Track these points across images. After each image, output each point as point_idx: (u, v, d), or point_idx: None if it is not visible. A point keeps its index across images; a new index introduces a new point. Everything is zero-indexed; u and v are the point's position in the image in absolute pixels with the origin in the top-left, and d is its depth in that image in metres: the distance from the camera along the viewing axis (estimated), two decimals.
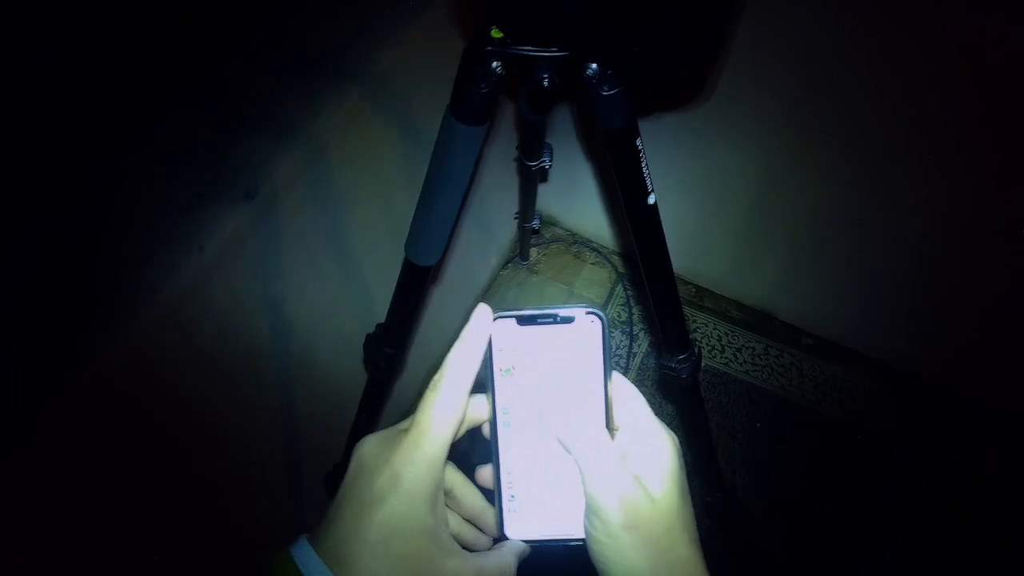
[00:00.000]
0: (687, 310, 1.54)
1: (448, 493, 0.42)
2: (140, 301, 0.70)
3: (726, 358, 1.47)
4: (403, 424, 0.39)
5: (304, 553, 0.36)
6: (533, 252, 1.61)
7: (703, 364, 1.45)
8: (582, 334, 0.39)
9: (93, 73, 0.71)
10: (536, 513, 0.42)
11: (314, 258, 0.93)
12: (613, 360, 0.39)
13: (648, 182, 0.64)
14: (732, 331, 1.51)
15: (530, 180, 1.12)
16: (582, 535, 0.40)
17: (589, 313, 0.39)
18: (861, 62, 0.99)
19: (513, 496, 0.41)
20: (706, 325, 1.52)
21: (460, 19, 0.98)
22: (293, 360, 0.95)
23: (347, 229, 0.97)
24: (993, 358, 1.30)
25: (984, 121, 0.98)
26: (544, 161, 0.99)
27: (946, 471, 1.32)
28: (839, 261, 1.33)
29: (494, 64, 0.59)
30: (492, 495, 0.42)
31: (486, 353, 0.39)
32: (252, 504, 0.96)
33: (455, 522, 0.42)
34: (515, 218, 1.32)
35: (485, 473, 0.43)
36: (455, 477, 0.42)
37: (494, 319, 0.39)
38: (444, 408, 0.37)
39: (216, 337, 0.79)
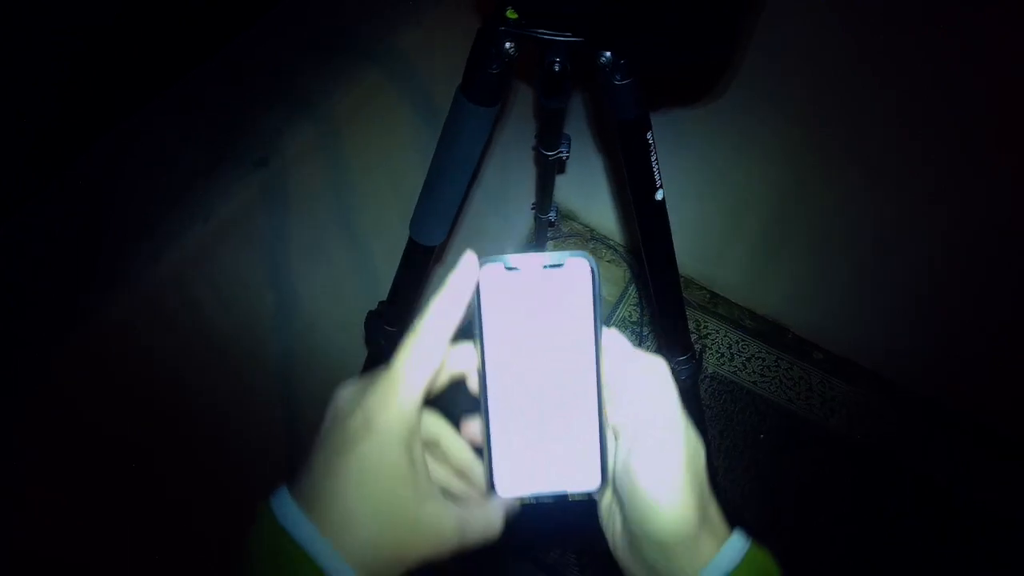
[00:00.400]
0: (700, 315, 1.52)
1: (434, 444, 0.41)
2: (141, 267, 0.70)
3: (735, 366, 1.46)
4: (380, 370, 0.38)
5: (282, 500, 0.36)
6: (549, 245, 1.60)
7: (711, 371, 1.45)
8: (571, 280, 0.38)
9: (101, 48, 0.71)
10: (527, 467, 0.40)
11: (322, 235, 0.93)
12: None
13: (657, 177, 0.63)
14: (743, 340, 1.49)
15: (547, 171, 1.10)
16: (577, 489, 0.39)
17: (578, 259, 0.38)
18: (888, 71, 0.97)
19: (503, 450, 0.40)
20: (718, 332, 1.50)
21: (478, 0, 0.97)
22: (295, 336, 0.95)
23: (357, 208, 0.97)
24: (1010, 383, 1.27)
25: (1010, 131, 0.95)
26: (562, 152, 0.98)
27: (950, 493, 1.30)
28: (856, 277, 1.31)
29: (507, 45, 0.58)
30: (481, 453, 0.41)
31: (473, 301, 0.38)
32: (251, 478, 0.97)
33: (443, 474, 0.41)
34: (532, 208, 1.31)
35: (472, 426, 0.41)
36: (441, 428, 0.41)
37: (482, 265, 0.38)
38: (421, 353, 0.37)
39: (218, 307, 0.80)
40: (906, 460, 1.34)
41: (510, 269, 0.38)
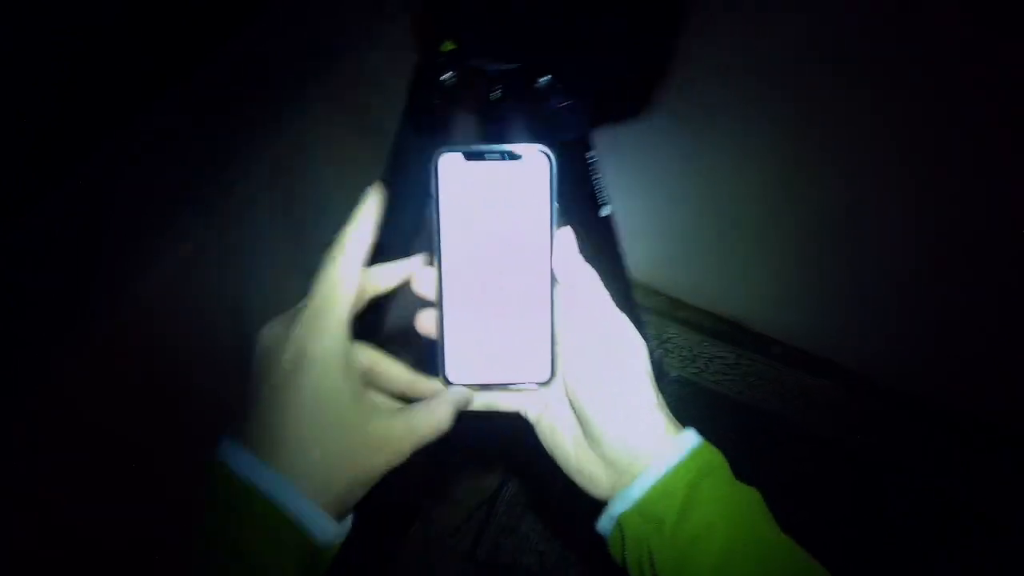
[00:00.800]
0: (660, 321, 1.54)
1: (369, 372, 0.41)
2: (142, 267, 0.70)
3: (696, 368, 1.48)
4: (300, 306, 0.39)
5: (230, 450, 0.36)
6: None
7: (674, 375, 1.47)
8: (530, 173, 0.38)
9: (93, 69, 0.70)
10: (479, 357, 0.41)
11: (283, 274, 0.93)
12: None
13: (602, 195, 0.64)
14: (702, 341, 1.52)
15: None
16: (527, 380, 0.41)
17: (538, 152, 0.38)
18: (838, 71, 1.01)
19: (456, 339, 0.41)
20: (678, 336, 1.53)
21: (415, 31, 0.98)
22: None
23: (316, 242, 0.97)
24: (963, 363, 1.32)
25: (950, 123, 1.00)
26: None
27: (931, 485, 1.34)
28: (810, 270, 1.35)
29: (447, 76, 0.59)
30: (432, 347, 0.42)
31: (432, 187, 0.39)
32: None
33: (382, 399, 0.42)
34: None
35: (426, 318, 0.42)
36: (372, 354, 0.42)
37: (442, 153, 0.38)
38: (341, 277, 0.38)
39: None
40: (877, 452, 1.38)
41: (469, 158, 0.38)
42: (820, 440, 1.39)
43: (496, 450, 1.30)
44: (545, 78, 0.58)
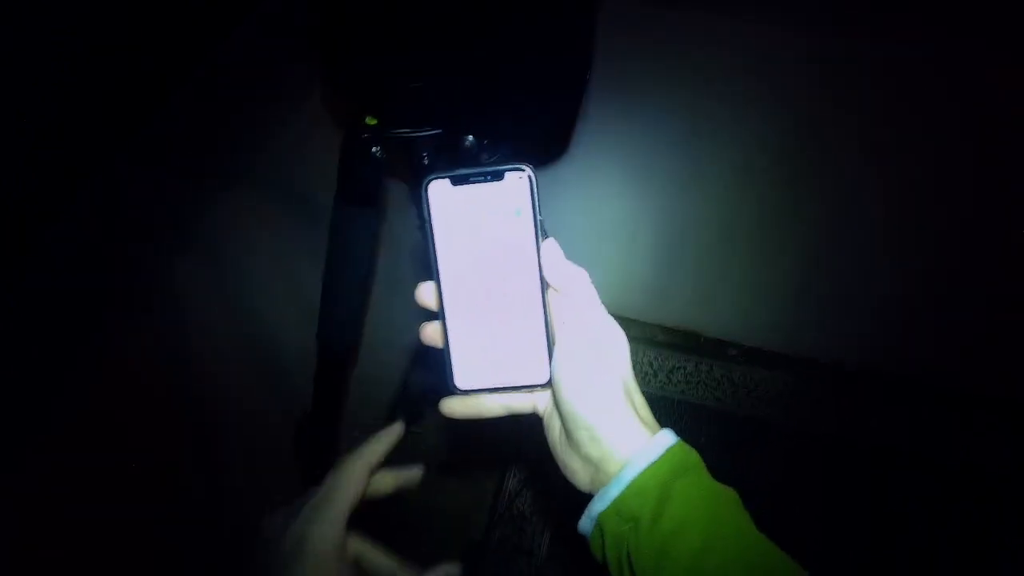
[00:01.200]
0: None
1: (359, 560, 0.45)
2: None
3: (660, 382, 1.51)
4: (307, 498, 0.44)
5: None
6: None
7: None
8: (512, 191, 0.41)
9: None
10: (483, 364, 0.44)
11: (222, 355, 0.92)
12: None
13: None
14: (660, 354, 1.55)
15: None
16: (529, 381, 0.43)
17: (517, 170, 0.41)
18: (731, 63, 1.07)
19: (460, 349, 0.43)
20: (635, 353, 1.55)
21: (335, 109, 0.99)
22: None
23: (257, 320, 0.96)
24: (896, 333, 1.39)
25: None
26: None
27: (910, 453, 1.39)
28: (746, 271, 1.40)
29: (374, 149, 0.60)
30: (439, 357, 0.44)
31: (425, 214, 0.41)
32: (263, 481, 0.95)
33: None
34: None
35: (431, 330, 0.44)
36: (361, 546, 0.45)
37: (428, 181, 0.41)
38: (351, 479, 0.44)
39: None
40: (834, 428, 1.42)
41: (456, 183, 0.41)
42: (791, 431, 1.42)
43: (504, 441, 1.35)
44: (469, 138, 0.60)
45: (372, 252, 0.68)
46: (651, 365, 1.53)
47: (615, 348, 0.42)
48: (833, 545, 1.27)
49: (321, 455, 0.86)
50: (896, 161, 1.12)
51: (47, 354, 0.66)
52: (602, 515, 0.40)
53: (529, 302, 0.42)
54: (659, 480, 0.39)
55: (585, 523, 0.42)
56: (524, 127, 0.64)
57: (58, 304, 0.68)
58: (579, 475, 0.42)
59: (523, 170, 0.41)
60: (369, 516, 0.46)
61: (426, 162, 0.59)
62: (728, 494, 0.41)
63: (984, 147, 1.06)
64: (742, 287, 1.44)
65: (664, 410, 1.46)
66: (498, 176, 0.41)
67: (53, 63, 0.64)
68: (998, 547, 1.26)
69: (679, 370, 1.52)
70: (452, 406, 0.45)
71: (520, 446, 1.35)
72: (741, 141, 1.16)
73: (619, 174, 1.26)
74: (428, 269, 0.43)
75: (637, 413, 0.41)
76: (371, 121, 0.60)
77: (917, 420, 1.42)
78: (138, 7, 0.71)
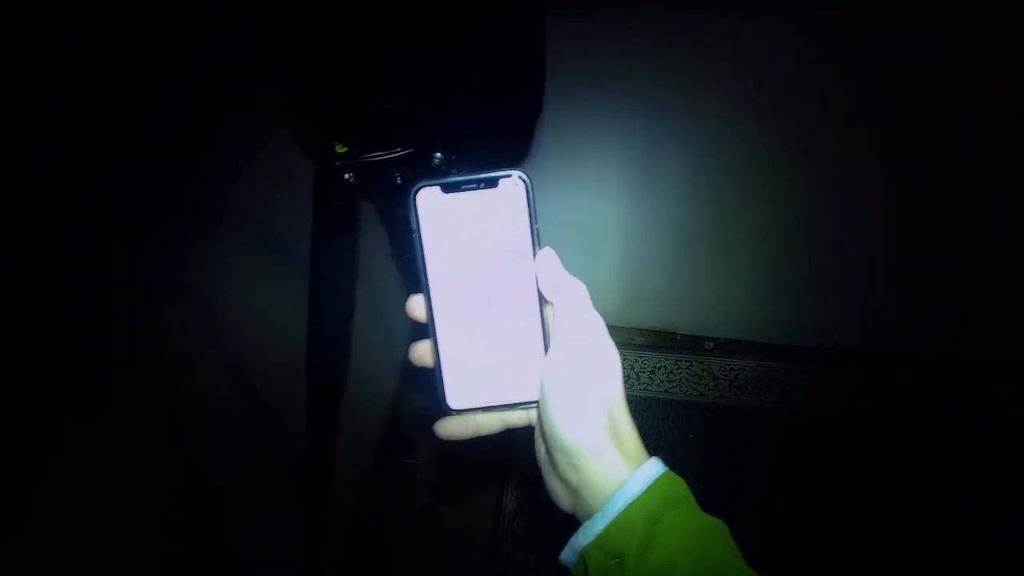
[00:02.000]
0: None
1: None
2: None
3: (643, 383, 1.53)
4: None
5: None
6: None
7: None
8: (507, 198, 0.38)
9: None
10: (476, 381, 0.41)
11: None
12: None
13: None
14: (641, 356, 1.57)
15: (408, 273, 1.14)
16: (524, 398, 0.41)
17: (513, 176, 0.38)
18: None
19: (452, 367, 0.41)
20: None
21: (304, 139, 1.00)
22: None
23: (245, 361, 0.96)
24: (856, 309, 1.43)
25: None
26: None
27: (857, 427, 1.42)
28: (714, 266, 1.43)
29: (346, 176, 0.61)
30: (431, 377, 0.42)
31: (414, 225, 0.38)
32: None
33: None
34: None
35: (421, 349, 0.42)
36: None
37: (419, 190, 0.38)
38: None
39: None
40: (816, 408, 1.45)
41: (447, 191, 0.38)
42: (776, 417, 1.45)
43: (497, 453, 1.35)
44: (438, 155, 0.62)
45: (353, 278, 0.68)
46: (632, 368, 1.55)
47: (606, 370, 0.40)
48: (823, 530, 1.29)
49: (318, 488, 0.86)
50: (878, 153, 1.17)
51: (47, 354, 0.65)
52: (586, 549, 0.38)
53: (524, 315, 0.40)
54: (645, 515, 0.37)
55: (568, 555, 0.40)
56: (488, 138, 0.66)
57: (58, 304, 0.67)
58: (560, 497, 0.41)
59: (518, 176, 0.38)
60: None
61: (399, 182, 0.61)
62: (716, 526, 0.40)
63: (984, 147, 1.09)
64: (711, 281, 1.48)
65: (650, 411, 1.48)
66: (491, 183, 0.38)
67: (53, 63, 0.63)
68: (988, 532, 1.28)
69: (660, 369, 1.55)
70: (448, 427, 0.43)
71: (511, 457, 1.36)
72: (699, 141, 1.20)
73: (581, 182, 1.29)
74: (417, 281, 0.40)
75: (620, 443, 0.39)
76: (341, 149, 0.61)
77: (904, 399, 1.47)
78: (138, 7, 0.71)
